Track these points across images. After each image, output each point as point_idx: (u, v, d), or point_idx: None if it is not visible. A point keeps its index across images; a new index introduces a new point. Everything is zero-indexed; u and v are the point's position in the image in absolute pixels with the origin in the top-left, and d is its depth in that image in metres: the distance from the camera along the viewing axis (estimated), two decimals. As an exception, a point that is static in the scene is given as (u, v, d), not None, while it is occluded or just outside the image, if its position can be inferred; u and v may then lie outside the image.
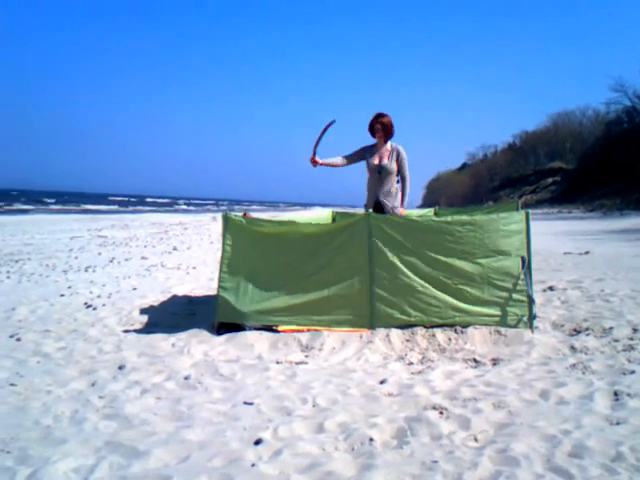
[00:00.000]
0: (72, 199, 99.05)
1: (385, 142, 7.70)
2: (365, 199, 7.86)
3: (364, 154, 7.71)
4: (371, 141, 7.76)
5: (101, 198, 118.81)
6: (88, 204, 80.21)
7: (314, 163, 7.51)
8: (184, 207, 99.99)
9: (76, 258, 15.11)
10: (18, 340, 6.51)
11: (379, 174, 7.59)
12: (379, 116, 7.61)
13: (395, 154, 7.68)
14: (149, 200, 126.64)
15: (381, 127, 7.59)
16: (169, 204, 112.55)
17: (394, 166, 7.63)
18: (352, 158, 7.73)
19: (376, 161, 7.63)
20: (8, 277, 11.60)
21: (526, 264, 6.38)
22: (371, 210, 7.44)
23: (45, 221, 36.29)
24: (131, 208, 77.11)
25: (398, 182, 7.73)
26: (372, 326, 6.32)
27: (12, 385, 5.00)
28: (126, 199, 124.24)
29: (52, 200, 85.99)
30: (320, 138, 7.54)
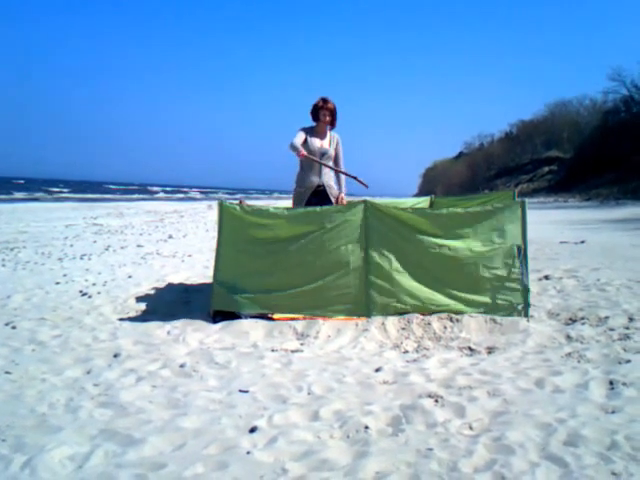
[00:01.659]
0: (77, 188, 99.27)
1: (326, 129, 7.70)
2: (297, 182, 7.75)
3: (305, 134, 7.64)
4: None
5: (99, 186, 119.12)
6: (88, 193, 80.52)
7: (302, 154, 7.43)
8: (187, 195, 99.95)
9: (71, 246, 15.09)
10: (13, 328, 6.50)
11: (322, 157, 7.55)
12: (325, 101, 7.57)
13: (335, 142, 7.73)
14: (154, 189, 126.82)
15: (329, 112, 7.57)
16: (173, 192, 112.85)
17: (333, 154, 7.68)
18: (301, 141, 7.55)
19: (318, 144, 7.60)
20: (3, 265, 11.58)
21: (522, 253, 6.38)
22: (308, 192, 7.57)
23: (41, 209, 36.23)
24: (126, 196, 77.22)
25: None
26: (368, 314, 6.32)
27: (7, 373, 4.99)
28: (124, 187, 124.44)
29: (57, 189, 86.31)
30: (339, 172, 7.67)
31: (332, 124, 7.71)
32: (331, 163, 7.68)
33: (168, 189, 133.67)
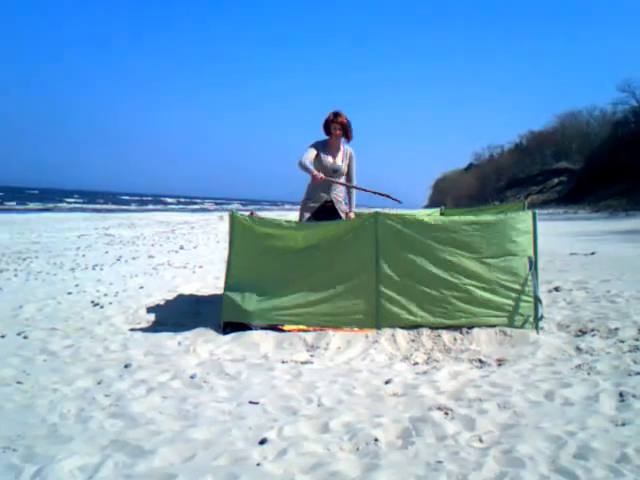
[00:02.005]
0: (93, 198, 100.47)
1: (340, 143, 7.65)
2: (306, 194, 7.66)
3: (317, 149, 7.57)
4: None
5: (113, 197, 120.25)
6: (101, 203, 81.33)
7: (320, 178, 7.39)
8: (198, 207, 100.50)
9: (83, 256, 15.16)
10: (25, 338, 6.54)
11: (333, 174, 7.50)
12: (337, 115, 7.50)
13: (348, 157, 7.66)
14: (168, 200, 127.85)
15: (340, 127, 7.49)
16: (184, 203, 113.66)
17: (345, 170, 7.62)
18: (312, 158, 7.49)
19: (331, 159, 7.54)
20: (16, 275, 11.63)
21: (533, 264, 6.37)
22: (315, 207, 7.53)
23: (53, 219, 36.42)
24: (140, 207, 77.81)
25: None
26: (378, 326, 6.32)
27: (19, 383, 5.02)
28: (138, 198, 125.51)
29: (72, 199, 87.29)
30: (368, 191, 7.71)
31: (346, 138, 7.64)
32: (343, 179, 7.63)
33: (182, 199, 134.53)
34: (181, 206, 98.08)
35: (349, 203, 7.78)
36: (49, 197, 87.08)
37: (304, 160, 7.31)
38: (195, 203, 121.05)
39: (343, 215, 7.60)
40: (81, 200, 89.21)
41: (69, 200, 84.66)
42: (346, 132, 7.58)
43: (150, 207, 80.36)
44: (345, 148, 7.68)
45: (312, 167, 7.32)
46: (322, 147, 7.56)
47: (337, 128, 7.49)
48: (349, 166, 7.68)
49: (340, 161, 7.57)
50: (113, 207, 73.83)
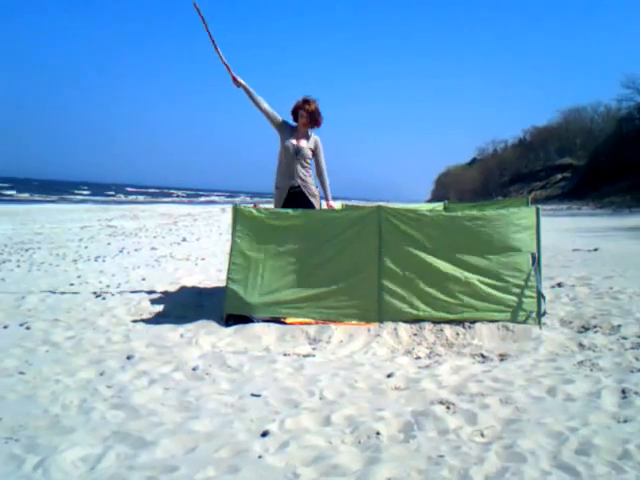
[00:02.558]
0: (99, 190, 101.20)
1: (307, 130, 7.65)
2: (275, 183, 7.73)
3: (283, 128, 7.62)
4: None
5: (121, 188, 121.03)
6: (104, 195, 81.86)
7: (235, 82, 7.48)
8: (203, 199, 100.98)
9: (86, 248, 15.17)
10: (27, 329, 6.54)
11: (295, 155, 7.49)
12: (306, 102, 7.52)
13: (313, 143, 7.64)
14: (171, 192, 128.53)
15: (306, 114, 7.50)
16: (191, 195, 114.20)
17: (310, 153, 7.58)
18: (273, 115, 7.60)
19: (294, 142, 7.52)
20: (18, 266, 11.64)
21: (536, 260, 6.37)
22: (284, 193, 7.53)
23: (55, 210, 36.46)
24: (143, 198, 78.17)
25: (311, 173, 7.69)
26: (380, 320, 6.32)
27: (21, 373, 5.02)
28: (143, 190, 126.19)
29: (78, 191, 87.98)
30: (213, 41, 7.55)
31: (314, 125, 7.63)
32: (308, 163, 7.60)
33: (191, 192, 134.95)
34: (190, 198, 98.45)
35: (324, 191, 7.78)
36: (58, 188, 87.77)
37: (262, 100, 7.55)
38: (202, 195, 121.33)
39: (314, 200, 7.59)
40: (88, 192, 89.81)
41: (76, 192, 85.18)
42: (314, 119, 7.58)
43: (153, 199, 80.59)
44: (311, 135, 7.67)
45: (255, 93, 7.51)
46: (289, 130, 7.61)
47: (303, 115, 7.51)
48: (316, 152, 7.66)
49: (303, 144, 7.54)
50: (116, 198, 74.21)
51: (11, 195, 63.63)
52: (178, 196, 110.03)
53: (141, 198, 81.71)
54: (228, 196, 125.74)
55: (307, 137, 7.62)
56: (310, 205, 7.49)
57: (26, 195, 64.58)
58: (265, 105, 7.55)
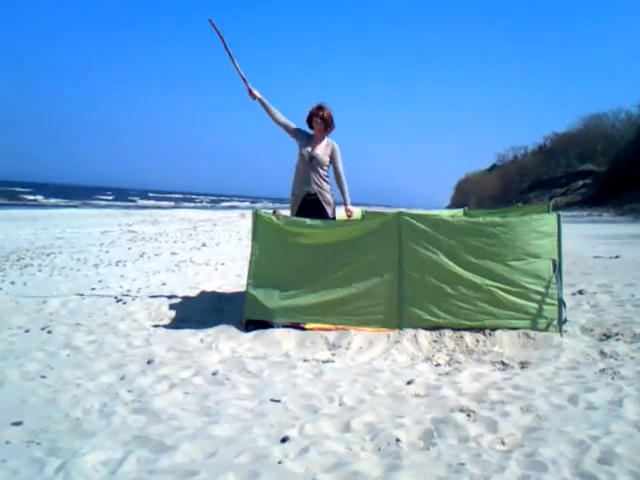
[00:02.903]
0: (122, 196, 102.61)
1: (323, 137, 7.64)
2: (291, 189, 7.74)
3: (298, 136, 7.65)
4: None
5: (144, 194, 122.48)
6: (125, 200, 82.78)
7: (251, 95, 7.52)
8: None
9: (107, 252, 15.26)
10: (49, 333, 6.60)
11: (310, 162, 7.48)
12: (319, 109, 7.54)
13: (330, 149, 7.61)
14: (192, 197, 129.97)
15: (321, 121, 7.52)
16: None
17: (327, 159, 7.56)
18: (288, 125, 7.65)
19: (309, 149, 7.53)
20: (40, 270, 11.74)
21: (557, 267, 6.33)
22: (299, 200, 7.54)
23: (76, 215, 36.72)
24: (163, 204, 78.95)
25: (328, 177, 7.67)
26: (400, 326, 6.30)
27: (42, 377, 5.07)
28: (164, 195, 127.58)
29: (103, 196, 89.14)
30: (230, 54, 7.61)
31: (325, 132, 7.65)
32: (325, 170, 7.60)
33: (214, 198, 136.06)
34: (212, 204, 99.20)
35: (343, 197, 7.76)
36: (82, 194, 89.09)
37: (277, 112, 7.62)
38: (224, 201, 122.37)
39: (328, 209, 7.58)
40: (112, 197, 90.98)
41: (102, 197, 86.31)
42: (327, 125, 7.59)
43: (173, 204, 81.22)
44: (328, 142, 7.67)
45: (270, 105, 7.61)
46: (306, 137, 7.64)
47: (318, 122, 7.53)
48: (333, 158, 7.64)
49: (319, 151, 7.54)
50: (137, 204, 74.89)
51: (35, 200, 64.24)
52: (202, 201, 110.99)
53: (164, 203, 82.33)
54: (251, 202, 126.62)
55: (323, 144, 7.62)
56: (324, 212, 7.50)
57: (51, 200, 65.27)
58: (280, 116, 7.62)
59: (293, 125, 7.67)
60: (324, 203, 7.55)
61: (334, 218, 7.62)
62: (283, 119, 7.63)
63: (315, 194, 7.53)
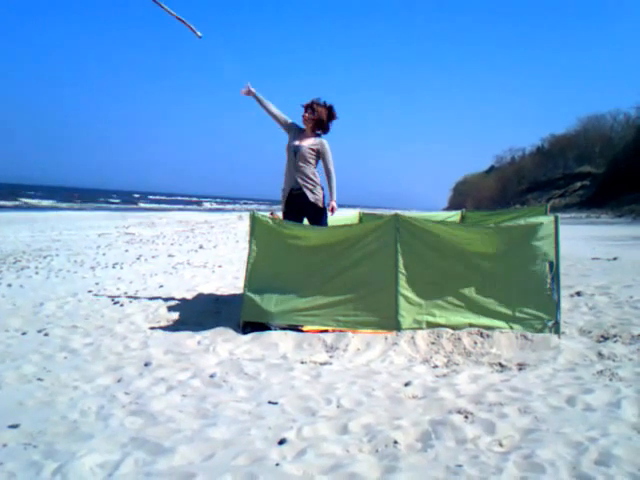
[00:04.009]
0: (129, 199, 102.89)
1: (314, 133, 7.62)
2: (282, 184, 7.73)
3: (290, 129, 7.65)
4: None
5: (146, 197, 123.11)
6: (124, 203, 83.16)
7: (247, 91, 7.56)
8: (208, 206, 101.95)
9: (104, 255, 15.25)
10: (46, 335, 6.59)
11: (294, 154, 7.45)
12: (312, 104, 7.52)
13: (317, 145, 7.53)
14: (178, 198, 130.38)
15: (308, 115, 7.52)
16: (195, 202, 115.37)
17: (311, 153, 7.47)
18: (280, 116, 7.66)
19: (296, 142, 7.50)
20: (36, 272, 11.73)
21: (554, 269, 6.32)
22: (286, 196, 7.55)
23: (73, 217, 36.71)
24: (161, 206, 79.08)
25: (315, 175, 7.60)
26: (397, 328, 6.29)
27: (39, 380, 5.06)
28: (166, 198, 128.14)
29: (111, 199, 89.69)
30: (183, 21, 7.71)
31: (315, 129, 7.62)
32: (311, 166, 7.51)
33: (218, 200, 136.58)
34: (220, 206, 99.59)
35: (330, 192, 7.65)
36: (88, 197, 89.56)
37: (271, 104, 7.66)
38: (229, 204, 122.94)
39: (316, 203, 7.53)
40: (118, 200, 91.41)
41: (109, 200, 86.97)
42: (319, 125, 7.57)
43: (172, 206, 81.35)
44: (317, 138, 7.60)
45: (265, 100, 7.64)
46: (297, 131, 7.62)
47: (307, 119, 7.54)
48: (322, 155, 7.55)
49: (304, 144, 7.48)
50: (135, 206, 75.04)
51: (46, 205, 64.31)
52: (210, 203, 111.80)
53: (162, 206, 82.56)
54: (256, 203, 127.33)
55: (311, 139, 7.57)
56: (309, 208, 7.48)
57: (49, 202, 65.43)
58: (274, 108, 7.63)
59: (288, 119, 7.68)
60: (310, 198, 7.49)
61: (324, 211, 7.61)
62: (276, 110, 7.64)
63: (300, 188, 7.48)
